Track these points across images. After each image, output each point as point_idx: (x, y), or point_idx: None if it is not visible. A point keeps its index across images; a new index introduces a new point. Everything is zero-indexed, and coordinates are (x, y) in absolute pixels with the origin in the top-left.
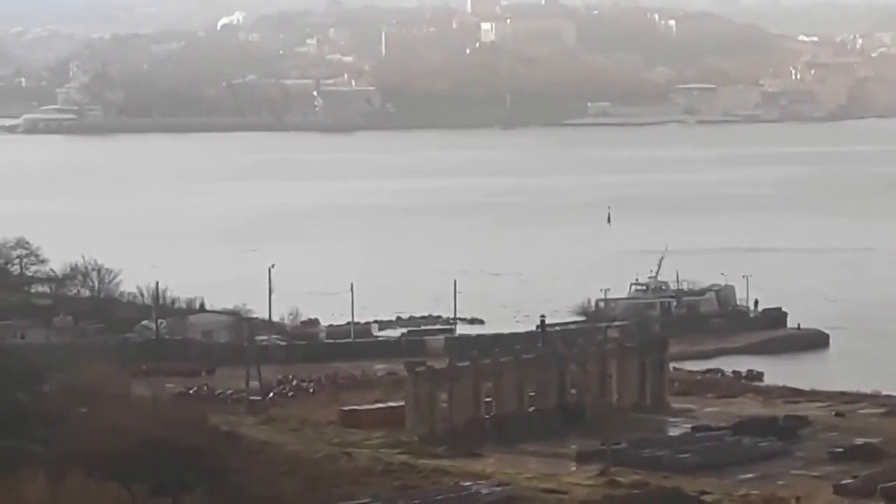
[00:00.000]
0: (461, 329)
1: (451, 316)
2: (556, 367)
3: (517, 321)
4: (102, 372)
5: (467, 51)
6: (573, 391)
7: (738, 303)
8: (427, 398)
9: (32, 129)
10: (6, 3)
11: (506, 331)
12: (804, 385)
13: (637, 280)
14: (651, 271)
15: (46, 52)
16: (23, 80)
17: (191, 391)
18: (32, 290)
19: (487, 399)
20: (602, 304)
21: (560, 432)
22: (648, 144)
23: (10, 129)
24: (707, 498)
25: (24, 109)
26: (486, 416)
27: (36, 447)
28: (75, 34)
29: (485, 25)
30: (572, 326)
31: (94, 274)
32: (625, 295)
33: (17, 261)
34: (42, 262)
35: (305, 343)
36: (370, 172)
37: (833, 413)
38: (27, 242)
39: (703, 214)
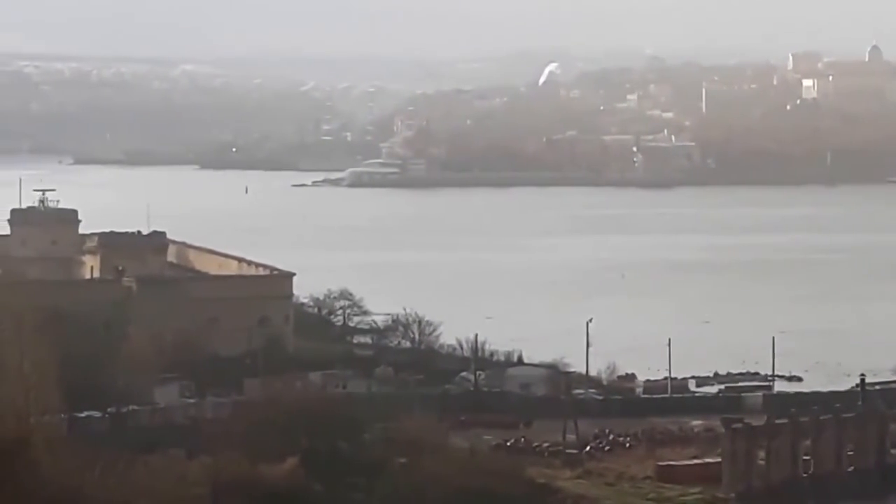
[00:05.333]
0: (779, 386)
1: (770, 373)
2: (875, 426)
3: (847, 377)
4: (422, 423)
5: (788, 107)
6: (893, 451)
7: None
8: (744, 455)
9: (357, 182)
10: (337, 61)
11: (825, 388)
12: None
13: None
14: None
15: (372, 107)
16: (349, 134)
17: (508, 443)
18: (355, 341)
19: (805, 457)
20: None
21: (879, 492)
22: None
23: (336, 183)
24: None
25: (349, 163)
26: (804, 475)
27: (357, 495)
28: (400, 90)
29: (806, 82)
30: (893, 386)
31: (415, 326)
32: None
33: (340, 312)
34: (364, 313)
35: (622, 397)
36: (689, 228)
37: None
38: (350, 294)
39: None
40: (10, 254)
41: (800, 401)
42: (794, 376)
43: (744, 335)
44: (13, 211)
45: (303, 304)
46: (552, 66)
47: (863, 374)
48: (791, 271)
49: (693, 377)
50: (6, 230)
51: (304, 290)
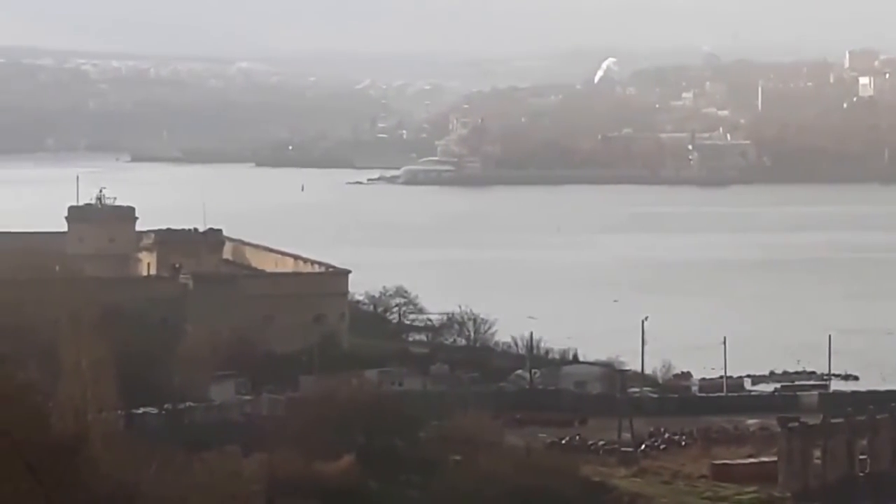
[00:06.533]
0: (835, 385)
1: (825, 372)
2: None
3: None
4: (477, 421)
5: (844, 105)
6: None
7: None
8: (800, 454)
9: (412, 179)
10: (393, 59)
11: (881, 387)
12: None
13: None
14: None
15: (427, 105)
16: (404, 132)
17: (563, 441)
18: (410, 339)
19: (862, 456)
20: None
21: None
22: None
23: (391, 180)
24: None
25: (404, 161)
26: (861, 474)
27: (413, 493)
28: (455, 88)
29: (863, 80)
30: None
31: (470, 323)
32: None
33: (395, 309)
34: (420, 310)
35: (677, 396)
36: (744, 226)
37: None
38: (406, 291)
39: None
40: (68, 251)
41: (856, 400)
42: (851, 375)
43: (799, 334)
44: (71, 208)
45: (358, 301)
46: (609, 61)
47: None
48: (847, 269)
49: (749, 376)
50: (64, 227)
51: (360, 287)
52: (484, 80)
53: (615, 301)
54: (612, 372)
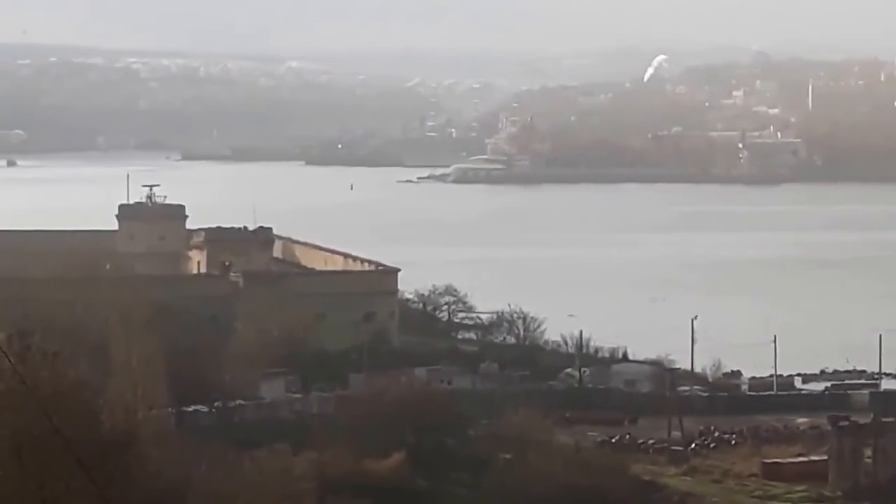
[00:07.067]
0: (886, 384)
1: (876, 370)
2: None
3: None
4: (527, 419)
5: (895, 104)
6: None
7: None
8: (851, 453)
9: (462, 178)
10: (442, 57)
11: None
12: None
13: None
14: None
15: (477, 103)
16: (453, 130)
17: (613, 440)
18: (459, 337)
19: None
20: None
21: None
22: None
23: (441, 178)
24: None
25: (454, 159)
26: None
27: (463, 491)
28: (505, 86)
29: None
30: None
31: (520, 322)
32: None
33: (445, 307)
34: (469, 309)
35: (727, 394)
36: (795, 225)
37: None
38: (455, 290)
39: None
40: (118, 249)
41: None
42: None
43: (850, 332)
44: (121, 206)
45: (408, 299)
46: (660, 59)
47: None
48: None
49: (799, 374)
50: (115, 225)
51: (410, 285)
52: (533, 78)
53: (664, 299)
54: (661, 370)
